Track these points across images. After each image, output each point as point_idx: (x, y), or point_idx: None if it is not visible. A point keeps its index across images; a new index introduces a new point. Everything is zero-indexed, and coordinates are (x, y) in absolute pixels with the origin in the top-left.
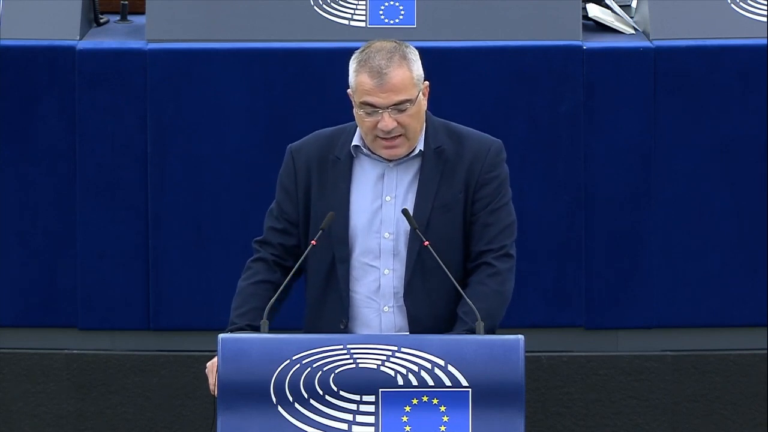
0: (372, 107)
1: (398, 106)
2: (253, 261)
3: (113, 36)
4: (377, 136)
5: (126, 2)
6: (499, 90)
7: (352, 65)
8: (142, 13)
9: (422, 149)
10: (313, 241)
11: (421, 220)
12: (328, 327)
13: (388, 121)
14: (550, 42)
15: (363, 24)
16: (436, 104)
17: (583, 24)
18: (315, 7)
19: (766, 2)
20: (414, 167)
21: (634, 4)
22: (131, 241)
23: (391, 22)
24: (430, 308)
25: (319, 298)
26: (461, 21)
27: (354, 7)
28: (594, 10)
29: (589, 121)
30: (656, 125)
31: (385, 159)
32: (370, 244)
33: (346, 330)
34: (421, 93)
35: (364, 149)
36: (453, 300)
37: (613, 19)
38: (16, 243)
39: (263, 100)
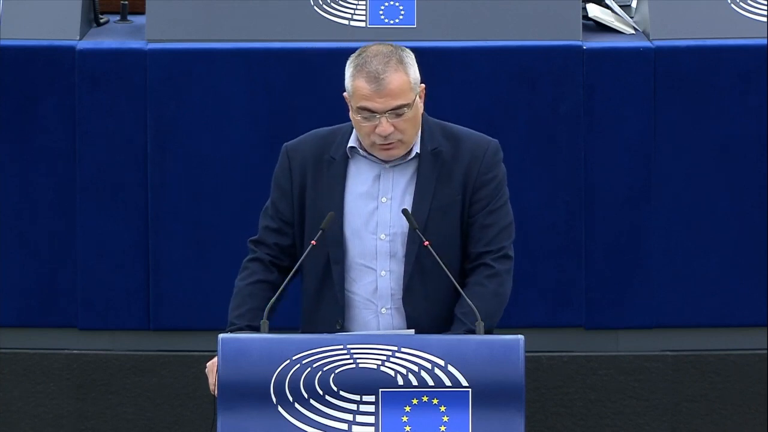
0: (370, 112)
1: (396, 111)
2: (249, 261)
3: (113, 36)
4: (374, 142)
5: (126, 2)
6: (499, 90)
7: (349, 69)
8: (142, 13)
9: (419, 151)
10: (313, 242)
11: (419, 222)
12: (324, 328)
13: (385, 126)
14: (550, 42)
15: (363, 24)
16: (436, 104)
17: (583, 24)
18: (315, 7)
19: (766, 2)
20: (411, 169)
21: (634, 4)
22: (131, 241)
23: (391, 22)
24: (428, 309)
25: (315, 298)
26: (461, 21)
27: (354, 7)
28: (594, 10)
29: (589, 121)
30: (656, 125)
31: (382, 160)
32: (366, 245)
33: (343, 331)
34: (417, 96)
35: (361, 151)
36: (451, 301)
37: (613, 19)
38: (16, 243)
39: (263, 100)
